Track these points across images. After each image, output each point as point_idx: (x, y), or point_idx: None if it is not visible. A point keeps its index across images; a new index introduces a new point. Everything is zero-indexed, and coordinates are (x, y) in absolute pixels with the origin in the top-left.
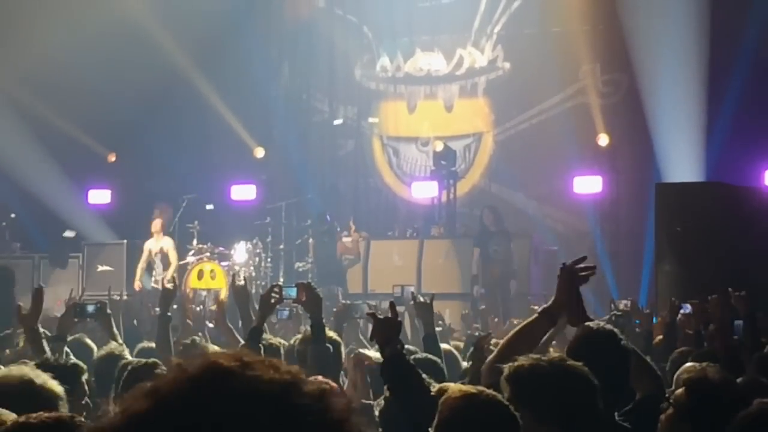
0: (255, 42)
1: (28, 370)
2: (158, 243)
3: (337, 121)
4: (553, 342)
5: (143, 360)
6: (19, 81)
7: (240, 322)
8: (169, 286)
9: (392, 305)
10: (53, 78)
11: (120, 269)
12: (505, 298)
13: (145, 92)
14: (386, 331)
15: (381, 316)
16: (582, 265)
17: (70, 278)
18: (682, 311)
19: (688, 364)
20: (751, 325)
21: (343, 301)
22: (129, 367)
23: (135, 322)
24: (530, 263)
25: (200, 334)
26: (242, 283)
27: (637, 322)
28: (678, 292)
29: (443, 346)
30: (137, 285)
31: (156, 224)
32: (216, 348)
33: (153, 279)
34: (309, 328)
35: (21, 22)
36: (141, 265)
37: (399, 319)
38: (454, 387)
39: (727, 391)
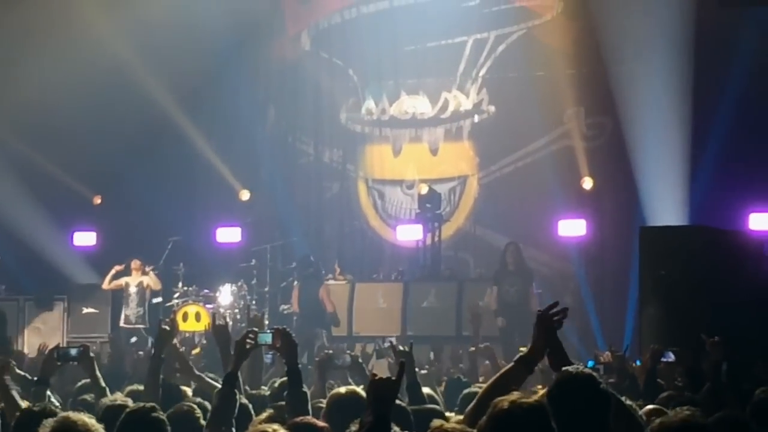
0: (241, 85)
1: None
2: (137, 279)
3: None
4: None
5: (141, 404)
6: (5, 123)
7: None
8: (165, 327)
9: (401, 366)
10: (38, 120)
11: (105, 311)
12: (523, 342)
13: (131, 135)
14: (383, 392)
15: (379, 377)
16: (555, 310)
17: (55, 320)
18: (663, 359)
19: (648, 407)
20: (730, 370)
21: (327, 351)
22: (126, 411)
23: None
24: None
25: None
26: (222, 322)
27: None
28: (662, 335)
29: (425, 390)
30: (107, 283)
31: (135, 263)
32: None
33: (123, 317)
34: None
35: (7, 65)
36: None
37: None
38: (438, 423)
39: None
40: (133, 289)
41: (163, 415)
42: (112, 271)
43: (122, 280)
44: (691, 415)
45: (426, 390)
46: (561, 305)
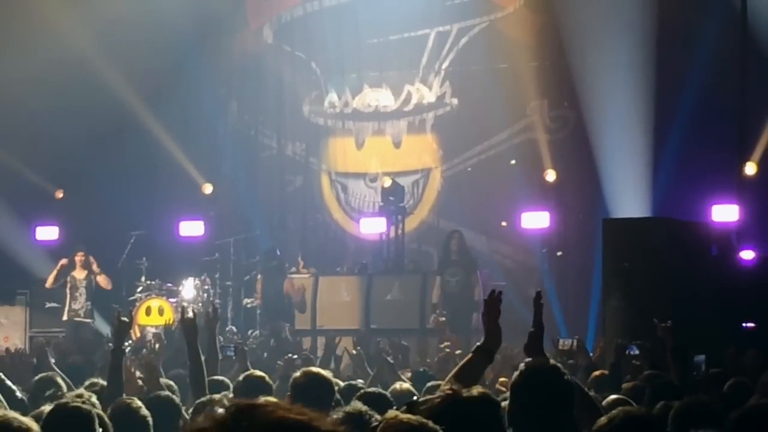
0: (203, 78)
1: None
2: (82, 272)
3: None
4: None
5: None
6: None
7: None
8: (124, 319)
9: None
10: None
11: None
12: (465, 332)
13: (93, 128)
14: None
15: None
16: (494, 296)
17: (18, 315)
18: (628, 352)
19: (612, 397)
20: (681, 358)
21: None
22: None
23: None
24: (479, 299)
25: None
26: (191, 316)
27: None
28: (625, 327)
29: (403, 385)
30: (51, 281)
31: (80, 255)
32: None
33: (68, 311)
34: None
35: None
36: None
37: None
38: (393, 415)
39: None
40: (81, 283)
41: (145, 410)
42: (58, 267)
43: (67, 276)
44: (632, 408)
45: (405, 386)
46: (524, 297)
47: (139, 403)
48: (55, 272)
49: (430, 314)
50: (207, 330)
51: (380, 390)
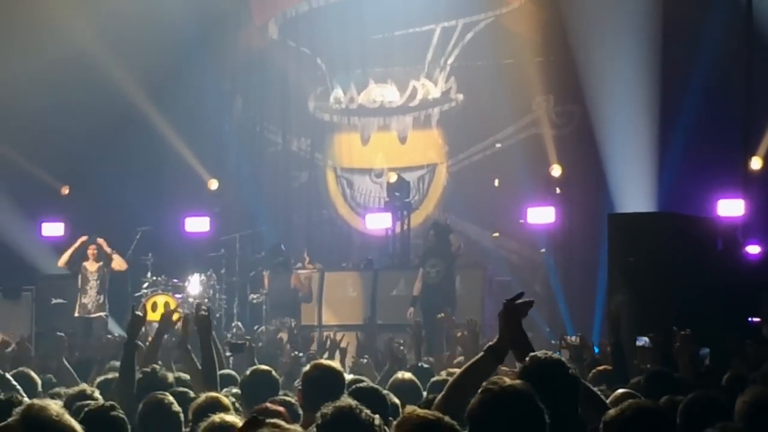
0: (208, 74)
1: None
2: (95, 264)
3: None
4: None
5: (101, 403)
6: None
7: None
8: (138, 313)
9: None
10: (5, 111)
11: (73, 302)
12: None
13: (99, 125)
14: None
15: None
16: (521, 301)
17: (24, 311)
18: (637, 343)
19: (620, 391)
20: (697, 364)
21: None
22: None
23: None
24: (484, 294)
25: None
26: (206, 313)
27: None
28: (631, 322)
29: (405, 375)
30: (64, 260)
31: (92, 249)
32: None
33: (79, 306)
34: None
35: None
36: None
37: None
38: (411, 410)
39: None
40: (92, 276)
41: (122, 414)
42: (77, 244)
43: (80, 266)
44: (642, 401)
45: (407, 375)
46: (530, 293)
47: (171, 399)
48: (71, 249)
49: (409, 307)
50: (199, 333)
51: (373, 384)
